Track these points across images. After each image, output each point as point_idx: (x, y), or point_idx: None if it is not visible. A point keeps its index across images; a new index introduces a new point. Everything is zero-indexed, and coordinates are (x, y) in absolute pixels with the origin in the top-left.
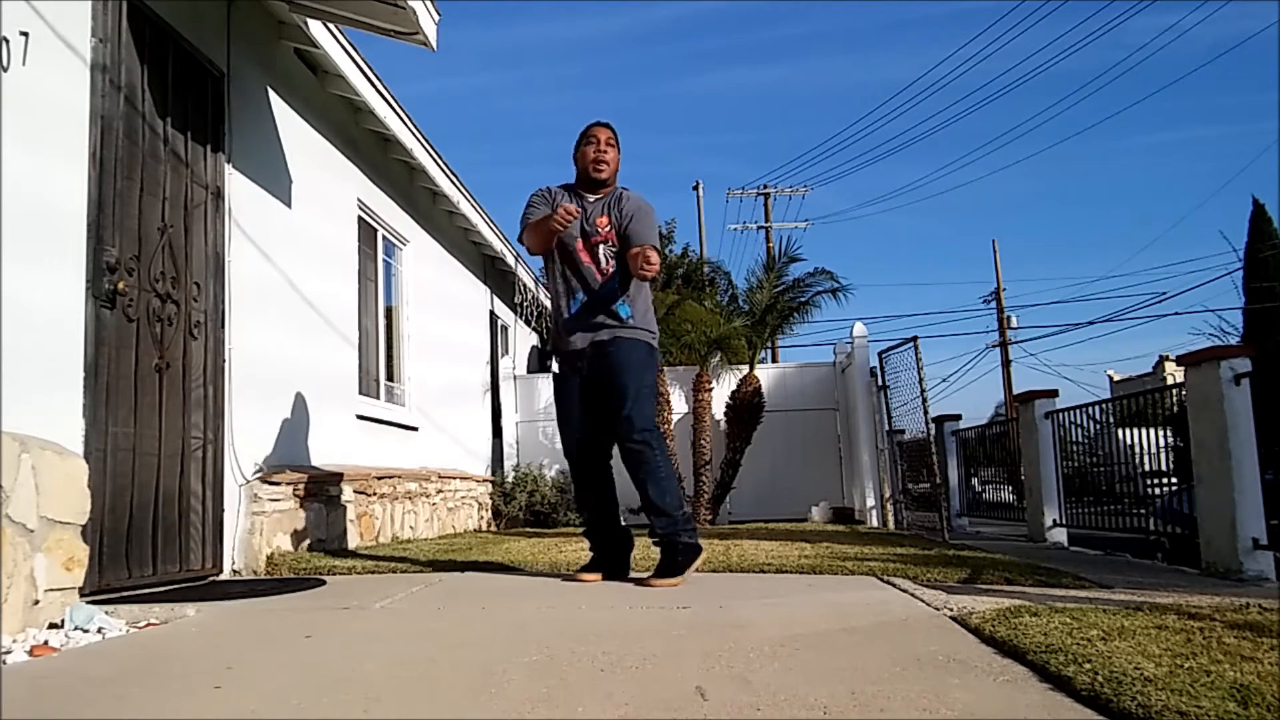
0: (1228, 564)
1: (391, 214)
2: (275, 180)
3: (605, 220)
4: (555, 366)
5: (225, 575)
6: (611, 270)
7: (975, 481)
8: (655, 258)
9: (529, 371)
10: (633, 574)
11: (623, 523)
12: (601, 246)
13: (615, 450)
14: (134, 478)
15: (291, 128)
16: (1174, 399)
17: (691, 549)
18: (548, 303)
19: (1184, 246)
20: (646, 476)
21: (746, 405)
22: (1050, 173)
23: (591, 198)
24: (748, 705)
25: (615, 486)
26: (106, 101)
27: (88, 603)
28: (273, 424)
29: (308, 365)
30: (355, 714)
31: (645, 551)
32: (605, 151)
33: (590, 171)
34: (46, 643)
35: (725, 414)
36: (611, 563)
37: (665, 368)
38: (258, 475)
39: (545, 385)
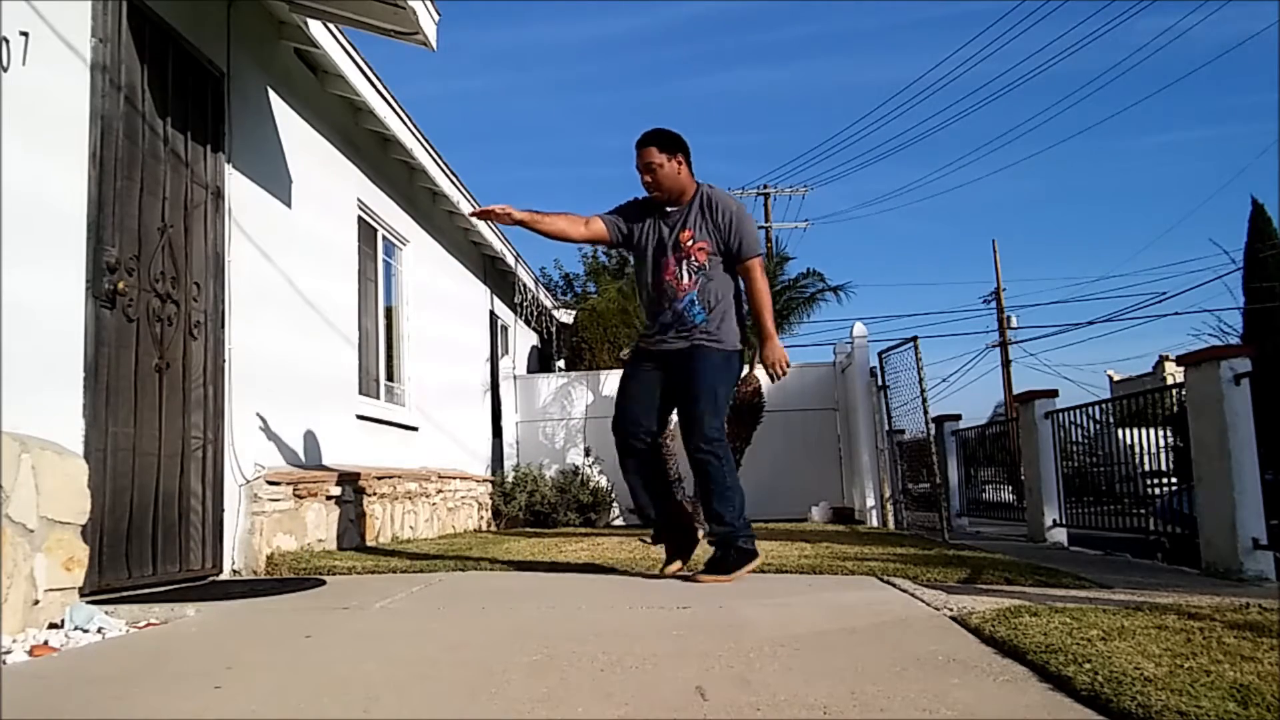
0: (1228, 564)
1: (391, 214)
2: (275, 180)
3: (689, 234)
4: (622, 354)
5: (225, 575)
6: (694, 284)
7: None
8: (787, 366)
9: (529, 371)
10: (682, 571)
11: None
12: (685, 262)
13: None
14: (134, 478)
15: (291, 128)
16: (1174, 399)
17: (746, 554)
18: (547, 302)
19: (1184, 246)
20: (710, 485)
21: (746, 405)
22: (1050, 173)
23: (670, 209)
24: (748, 705)
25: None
26: (106, 101)
27: (88, 603)
28: (273, 424)
29: (308, 365)
30: (355, 714)
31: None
32: (651, 178)
33: (650, 196)
34: (46, 643)
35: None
36: (684, 549)
37: None
38: (258, 475)
39: (545, 385)
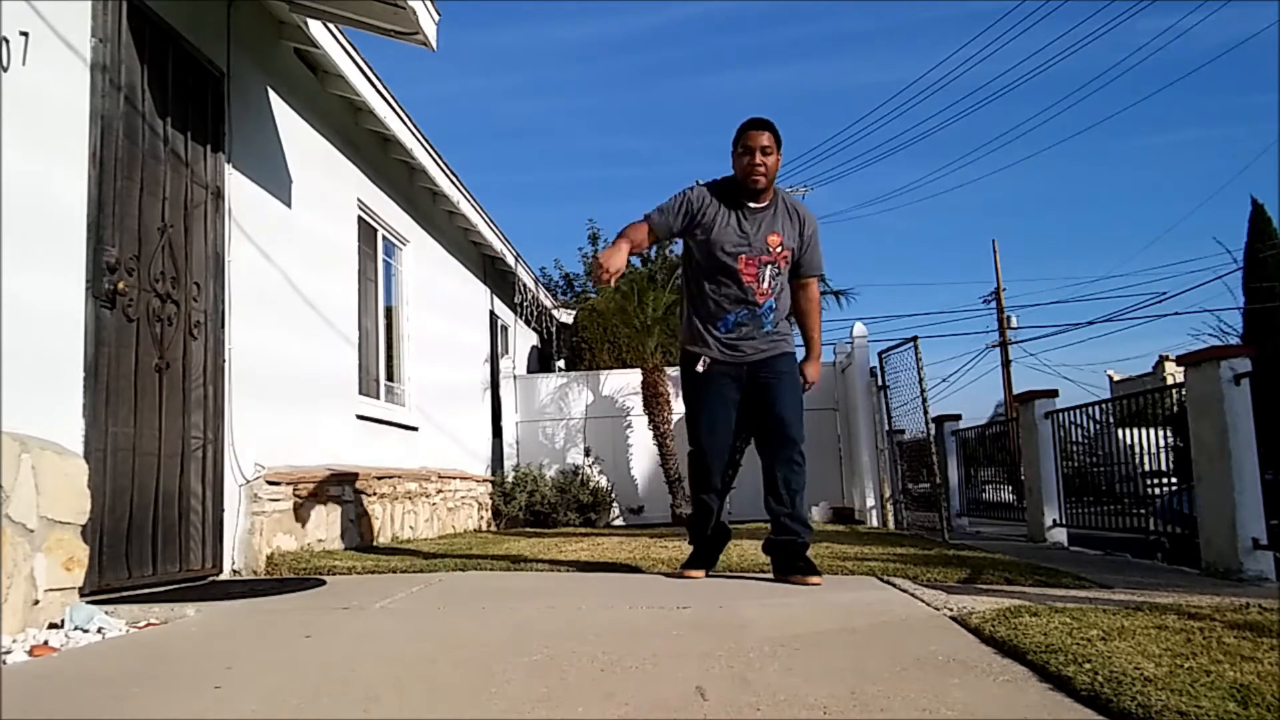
0: (1228, 564)
1: (391, 214)
2: (275, 180)
3: (778, 239)
4: (700, 367)
5: (225, 575)
6: (772, 290)
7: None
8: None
9: (529, 371)
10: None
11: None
12: (769, 267)
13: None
14: (134, 478)
15: (291, 128)
16: (1174, 399)
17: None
18: (547, 302)
19: (1184, 246)
20: (798, 489)
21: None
22: (1050, 173)
23: (754, 205)
24: (748, 705)
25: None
26: (106, 101)
27: (88, 603)
28: (273, 424)
29: (308, 365)
30: (355, 714)
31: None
32: (762, 163)
33: (747, 183)
34: (46, 643)
35: None
36: (712, 558)
37: (666, 367)
38: (258, 475)
39: (545, 385)
